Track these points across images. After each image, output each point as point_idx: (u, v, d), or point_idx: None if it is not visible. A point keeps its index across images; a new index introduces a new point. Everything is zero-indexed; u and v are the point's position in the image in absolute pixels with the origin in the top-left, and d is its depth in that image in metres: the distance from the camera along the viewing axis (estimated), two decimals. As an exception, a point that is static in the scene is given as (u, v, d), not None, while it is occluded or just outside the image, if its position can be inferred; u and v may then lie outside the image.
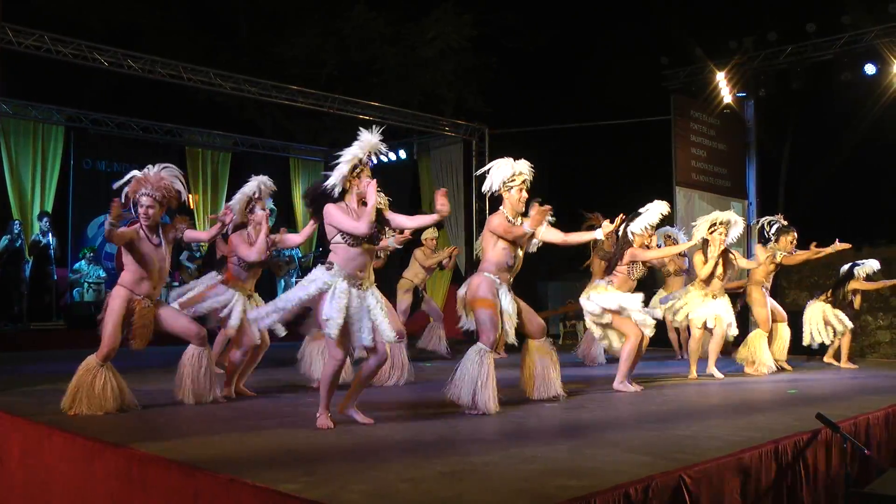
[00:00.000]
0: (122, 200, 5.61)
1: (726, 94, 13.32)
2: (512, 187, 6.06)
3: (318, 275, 4.98)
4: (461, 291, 6.17)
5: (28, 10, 14.57)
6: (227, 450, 4.29)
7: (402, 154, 17.30)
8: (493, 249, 6.04)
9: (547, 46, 20.18)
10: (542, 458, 4.04)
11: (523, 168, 6.09)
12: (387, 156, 16.58)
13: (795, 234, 8.91)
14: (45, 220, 13.43)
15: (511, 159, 6.11)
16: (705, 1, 18.80)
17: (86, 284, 13.97)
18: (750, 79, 13.56)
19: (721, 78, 13.20)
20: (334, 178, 5.01)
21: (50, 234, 13.27)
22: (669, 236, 10.72)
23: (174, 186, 5.85)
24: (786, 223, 8.98)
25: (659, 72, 14.27)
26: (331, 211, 4.98)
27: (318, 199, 5.07)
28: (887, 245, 12.24)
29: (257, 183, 6.62)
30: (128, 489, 4.00)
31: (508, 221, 6.00)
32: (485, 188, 6.13)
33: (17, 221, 13.42)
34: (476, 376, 5.58)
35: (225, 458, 4.04)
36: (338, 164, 5.04)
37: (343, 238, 4.98)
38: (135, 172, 5.76)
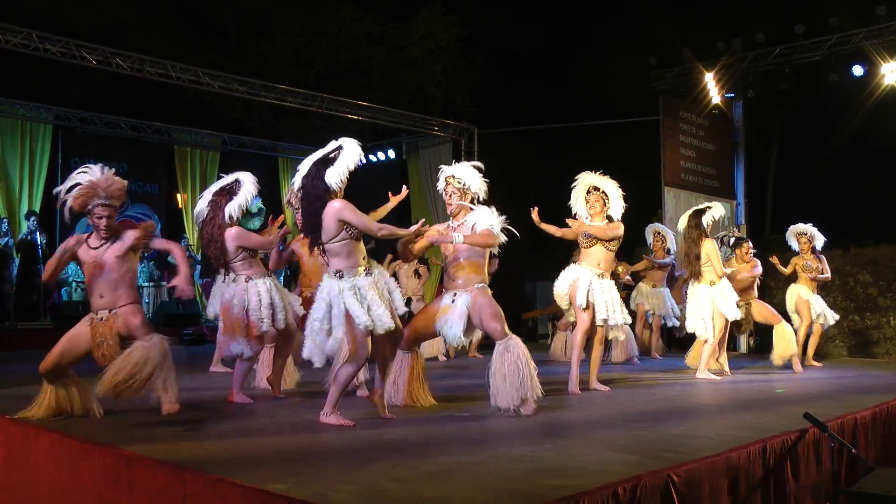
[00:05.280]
0: (66, 212, 5.33)
1: (714, 95, 13.34)
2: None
3: (340, 286, 4.97)
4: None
5: (15, 9, 14.50)
6: (214, 450, 4.28)
7: (391, 153, 17.29)
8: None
9: (535, 47, 20.20)
10: (530, 458, 4.04)
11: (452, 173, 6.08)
12: (375, 155, 16.72)
13: (750, 243, 9.34)
14: (32, 218, 13.38)
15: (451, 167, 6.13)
16: (693, 2, 18.86)
17: (74, 284, 13.92)
18: (738, 80, 13.60)
19: (709, 79, 13.22)
20: (336, 178, 4.97)
21: (38, 233, 13.21)
22: (658, 232, 10.75)
23: (124, 189, 5.52)
24: (738, 234, 9.33)
25: (647, 72, 14.29)
26: (345, 208, 4.98)
27: (318, 197, 5.03)
28: (874, 245, 12.30)
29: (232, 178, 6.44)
30: (115, 490, 3.98)
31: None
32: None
33: (4, 220, 13.36)
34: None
35: (213, 458, 4.03)
36: (329, 159, 5.04)
37: (348, 233, 4.99)
38: (78, 179, 5.33)
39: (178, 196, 16.96)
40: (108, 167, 5.45)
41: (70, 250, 5.41)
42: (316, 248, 5.15)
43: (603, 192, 7.13)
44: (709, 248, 8.12)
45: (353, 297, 4.92)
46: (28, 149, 14.31)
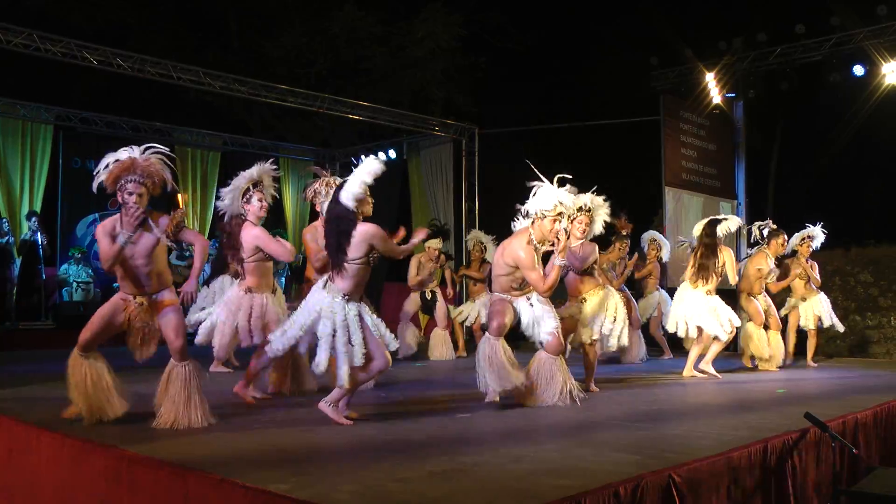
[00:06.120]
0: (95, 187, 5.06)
1: (716, 95, 13.34)
2: (546, 217, 5.86)
3: (331, 304, 4.99)
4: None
5: (16, 9, 14.52)
6: (216, 450, 4.28)
7: (392, 154, 17.30)
8: (503, 276, 6.05)
9: (536, 46, 20.22)
10: (532, 458, 4.05)
11: (565, 201, 5.89)
12: (376, 155, 16.70)
13: (785, 236, 9.10)
14: (33, 219, 13.38)
15: (555, 189, 5.90)
16: (694, 2, 18.87)
17: (74, 284, 13.92)
18: (739, 79, 13.59)
19: (710, 78, 13.21)
20: (350, 195, 4.98)
21: (39, 234, 13.21)
22: (654, 240, 10.73)
23: (163, 173, 5.14)
24: (774, 226, 9.10)
25: (648, 72, 14.29)
26: (377, 233, 5.02)
27: (338, 218, 5.03)
28: (875, 245, 12.30)
29: (259, 169, 6.32)
30: (116, 490, 3.98)
31: (532, 246, 5.89)
32: (526, 207, 6.01)
33: (5, 220, 13.37)
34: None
35: (215, 458, 4.03)
36: (345, 181, 5.07)
37: (371, 258, 5.04)
38: (118, 154, 5.06)
39: (179, 196, 16.94)
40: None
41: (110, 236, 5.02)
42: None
43: (590, 212, 6.81)
44: (726, 256, 8.13)
45: (357, 324, 4.98)
46: (29, 149, 14.29)
